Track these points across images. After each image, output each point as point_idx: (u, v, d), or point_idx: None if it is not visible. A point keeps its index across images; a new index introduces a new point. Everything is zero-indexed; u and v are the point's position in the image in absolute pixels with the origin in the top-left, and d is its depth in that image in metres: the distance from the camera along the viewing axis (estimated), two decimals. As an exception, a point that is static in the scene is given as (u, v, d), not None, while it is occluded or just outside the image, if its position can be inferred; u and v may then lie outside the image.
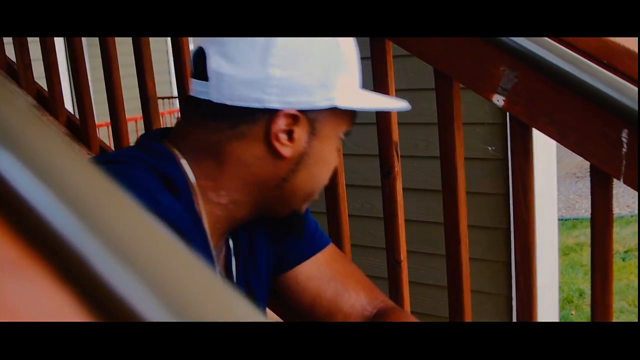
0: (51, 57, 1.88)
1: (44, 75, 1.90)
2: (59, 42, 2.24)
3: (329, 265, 1.05)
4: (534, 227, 1.12)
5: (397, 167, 1.24)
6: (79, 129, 1.89)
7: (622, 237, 4.87)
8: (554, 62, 0.95)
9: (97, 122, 1.91)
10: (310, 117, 0.85)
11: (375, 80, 1.20)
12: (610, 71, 0.92)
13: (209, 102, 0.84)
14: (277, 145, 0.85)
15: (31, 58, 1.97)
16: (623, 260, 4.54)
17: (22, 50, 1.95)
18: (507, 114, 1.08)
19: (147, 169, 0.82)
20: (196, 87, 0.86)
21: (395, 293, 1.30)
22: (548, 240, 2.65)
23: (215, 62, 0.83)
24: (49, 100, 1.94)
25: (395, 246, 1.27)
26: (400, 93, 2.41)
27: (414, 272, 2.63)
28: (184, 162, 0.86)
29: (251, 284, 0.99)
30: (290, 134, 0.85)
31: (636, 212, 5.38)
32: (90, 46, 4.61)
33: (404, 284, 1.30)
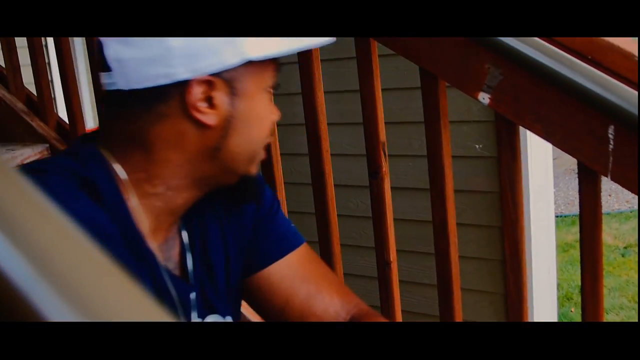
0: (40, 60, 1.87)
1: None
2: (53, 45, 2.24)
3: (302, 266, 1.02)
4: (523, 225, 1.11)
5: (385, 167, 1.23)
6: (69, 133, 1.88)
7: (621, 233, 4.85)
8: (538, 59, 0.94)
9: (94, 126, 1.90)
10: (226, 78, 0.82)
11: (361, 80, 1.19)
12: (594, 67, 0.91)
13: (119, 91, 0.82)
14: (198, 115, 0.82)
15: (20, 63, 1.96)
16: (623, 256, 4.52)
17: (10, 54, 1.94)
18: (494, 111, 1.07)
19: (67, 176, 0.80)
20: (104, 80, 0.84)
21: (385, 294, 1.29)
22: (545, 237, 2.64)
23: (113, 50, 0.81)
24: (38, 105, 1.93)
25: (385, 247, 1.26)
26: (392, 91, 2.42)
27: (409, 272, 2.63)
28: (112, 161, 0.84)
29: (204, 282, 0.95)
30: (210, 100, 0.82)
31: (636, 207, 5.36)
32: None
33: (394, 285, 1.29)
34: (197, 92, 0.81)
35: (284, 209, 1.40)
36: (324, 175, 1.30)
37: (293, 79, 2.56)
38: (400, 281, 1.32)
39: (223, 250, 0.97)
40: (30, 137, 1.83)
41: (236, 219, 0.99)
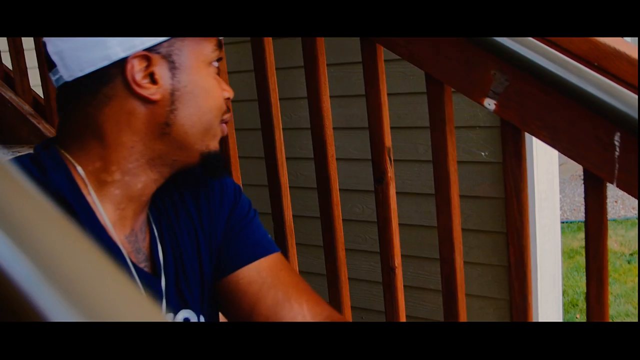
0: (47, 64, 1.88)
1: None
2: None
3: (272, 273, 1.00)
4: (528, 233, 1.10)
5: (390, 172, 1.23)
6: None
7: (627, 240, 4.83)
8: (545, 65, 0.94)
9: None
10: (164, 53, 0.85)
11: (367, 84, 1.19)
12: (600, 73, 0.91)
13: (66, 84, 0.85)
14: (141, 91, 0.84)
15: (27, 65, 1.97)
16: (629, 262, 4.50)
17: (18, 57, 1.95)
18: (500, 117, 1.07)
19: None
20: (52, 78, 0.87)
21: (390, 300, 1.29)
22: (550, 243, 2.63)
23: (52, 45, 0.84)
24: (45, 108, 1.94)
25: (390, 253, 1.26)
26: (399, 96, 2.42)
27: (414, 277, 2.62)
28: (70, 158, 0.86)
29: (178, 273, 0.95)
30: (151, 76, 0.85)
31: (642, 214, 5.33)
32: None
33: (399, 291, 1.28)
34: (136, 68, 0.83)
35: (289, 213, 1.40)
36: (329, 180, 1.30)
37: (298, 83, 2.57)
38: (404, 286, 1.32)
39: (195, 242, 0.98)
40: (37, 140, 1.84)
41: (208, 210, 1.00)
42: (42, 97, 1.95)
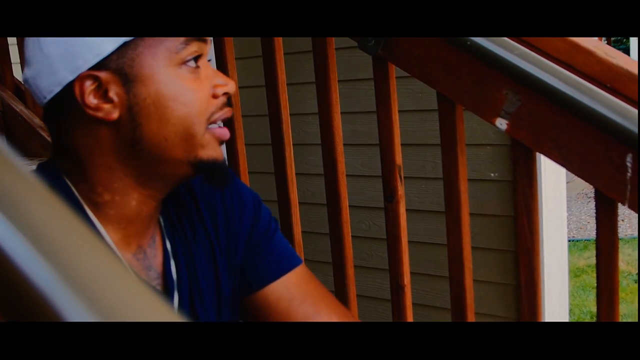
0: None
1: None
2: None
3: (299, 287, 0.99)
4: (539, 253, 1.10)
5: (401, 190, 1.23)
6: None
7: (634, 259, 4.81)
8: (557, 86, 0.94)
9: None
10: (114, 68, 0.78)
11: (378, 103, 1.19)
12: (614, 95, 0.91)
13: (43, 108, 0.84)
14: (95, 113, 0.79)
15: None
16: (635, 282, 4.48)
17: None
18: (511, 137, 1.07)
19: None
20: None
21: (398, 318, 1.28)
22: (558, 262, 2.62)
23: (23, 73, 0.83)
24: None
25: (399, 271, 1.26)
26: (407, 114, 2.42)
27: (421, 295, 2.61)
28: (65, 177, 0.84)
29: (192, 291, 0.92)
30: (105, 95, 0.79)
31: (649, 233, 5.32)
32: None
33: (408, 309, 1.28)
34: (85, 90, 0.78)
35: (298, 230, 1.40)
36: (339, 197, 1.30)
37: (306, 99, 2.58)
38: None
39: (212, 259, 0.95)
40: (47, 153, 1.84)
41: (227, 226, 0.96)
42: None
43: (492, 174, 2.35)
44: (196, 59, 0.82)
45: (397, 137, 1.20)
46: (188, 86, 0.81)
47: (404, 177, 1.26)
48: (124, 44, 0.78)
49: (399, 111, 1.22)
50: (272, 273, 0.98)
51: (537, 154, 1.04)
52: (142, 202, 0.85)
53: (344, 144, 1.32)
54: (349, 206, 1.34)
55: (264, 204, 1.03)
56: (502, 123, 1.03)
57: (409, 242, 1.29)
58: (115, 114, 0.79)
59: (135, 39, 0.78)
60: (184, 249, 0.92)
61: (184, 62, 0.81)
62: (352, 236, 1.36)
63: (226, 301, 0.96)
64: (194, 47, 0.81)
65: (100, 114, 0.79)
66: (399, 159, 1.21)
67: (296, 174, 1.43)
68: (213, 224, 0.95)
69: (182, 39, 0.80)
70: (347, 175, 1.34)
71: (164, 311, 0.30)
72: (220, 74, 0.86)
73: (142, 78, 0.79)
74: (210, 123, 0.84)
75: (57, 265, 0.29)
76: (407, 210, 1.27)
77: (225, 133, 0.87)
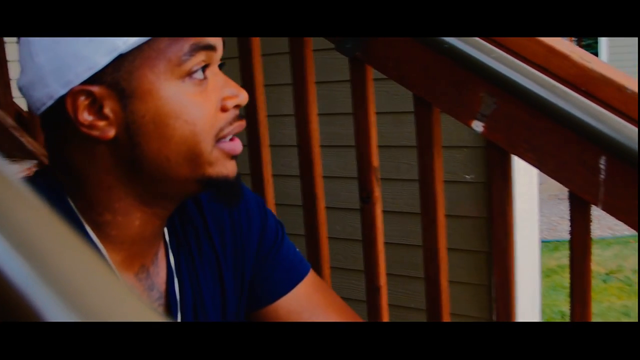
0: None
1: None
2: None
3: (309, 298, 0.96)
4: (513, 254, 1.11)
5: (377, 192, 1.23)
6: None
7: (603, 259, 4.89)
8: (533, 89, 0.95)
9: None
10: (109, 82, 0.71)
11: (355, 105, 1.20)
12: (588, 98, 0.93)
13: (40, 117, 0.76)
14: (89, 131, 0.72)
15: (10, 77, 1.95)
16: (604, 282, 4.56)
17: (1, 68, 1.93)
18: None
19: None
20: None
21: (374, 319, 1.29)
22: (530, 262, 2.65)
23: (18, 80, 0.76)
24: (28, 121, 1.92)
25: (375, 272, 1.26)
26: (383, 115, 2.43)
27: (396, 296, 2.62)
28: (66, 192, 0.77)
29: (197, 310, 0.86)
30: (100, 111, 0.71)
31: (618, 234, 5.41)
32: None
33: (384, 310, 1.28)
34: (79, 106, 0.71)
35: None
36: (316, 199, 1.30)
37: (281, 100, 2.57)
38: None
39: (218, 276, 0.90)
40: (19, 153, 1.82)
41: (234, 241, 0.91)
42: (25, 110, 1.93)
43: (468, 176, 2.37)
44: (204, 68, 0.75)
45: (374, 139, 1.21)
46: (192, 101, 0.73)
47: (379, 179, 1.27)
48: (120, 56, 0.70)
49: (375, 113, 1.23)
50: (282, 287, 0.94)
51: (512, 156, 1.05)
52: (146, 222, 0.78)
53: (320, 146, 1.32)
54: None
55: (268, 209, 0.99)
56: (478, 125, 1.04)
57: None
58: (111, 132, 0.72)
59: (133, 51, 0.70)
60: (188, 265, 0.86)
61: (190, 74, 0.73)
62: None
63: (231, 318, 0.92)
64: (200, 57, 0.74)
65: (95, 132, 0.72)
66: (375, 160, 1.22)
67: (272, 175, 1.43)
68: (220, 238, 0.90)
69: (186, 49, 0.72)
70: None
71: (146, 311, 0.30)
72: (230, 83, 0.79)
73: (140, 93, 0.71)
74: (220, 139, 0.77)
75: (36, 264, 0.29)
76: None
77: (236, 147, 0.79)
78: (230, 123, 0.77)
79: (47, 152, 0.81)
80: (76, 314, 0.28)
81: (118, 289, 0.30)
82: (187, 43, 0.72)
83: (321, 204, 1.31)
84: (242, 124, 0.80)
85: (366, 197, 1.23)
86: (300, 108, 1.27)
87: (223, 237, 0.90)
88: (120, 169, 0.74)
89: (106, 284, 0.30)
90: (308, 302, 0.96)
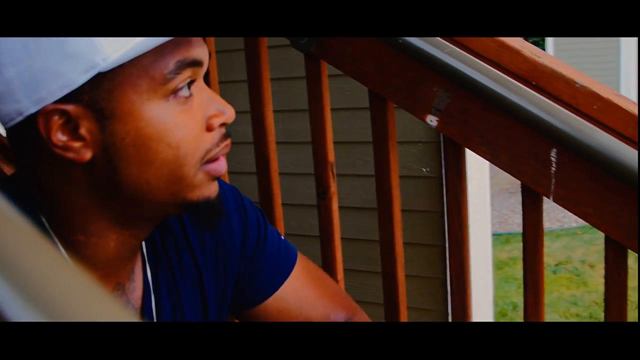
0: None
1: None
2: None
3: (299, 294, 0.94)
4: (468, 246, 1.13)
5: (333, 187, 1.24)
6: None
7: (552, 251, 5.01)
8: (486, 84, 0.97)
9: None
10: (86, 101, 0.65)
11: (311, 100, 1.20)
12: (539, 92, 0.95)
13: (7, 131, 0.70)
14: (62, 152, 0.66)
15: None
16: (554, 273, 4.67)
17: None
18: (441, 133, 1.09)
19: None
20: None
21: (332, 313, 1.30)
22: (482, 255, 2.70)
23: None
24: None
25: (332, 267, 1.27)
26: (337, 112, 2.44)
27: (352, 290, 2.64)
28: (38, 206, 0.72)
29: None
30: (75, 131, 0.65)
31: (566, 226, 5.54)
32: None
33: (342, 304, 1.29)
34: (49, 126, 0.65)
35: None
36: (272, 196, 1.30)
37: (236, 97, 2.56)
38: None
39: (199, 288, 0.85)
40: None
41: (215, 248, 0.87)
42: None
43: (424, 169, 2.40)
44: (190, 84, 0.70)
45: (330, 134, 1.21)
46: (176, 123, 0.68)
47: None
48: (99, 74, 0.64)
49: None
50: (270, 287, 0.91)
51: (466, 150, 1.07)
52: (122, 243, 0.74)
53: (275, 142, 1.32)
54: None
55: (245, 198, 0.94)
56: (432, 120, 1.05)
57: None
58: (87, 155, 0.66)
59: (114, 68, 0.64)
60: (167, 280, 0.82)
61: (175, 92, 0.68)
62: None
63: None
64: (187, 74, 0.68)
65: (70, 154, 0.66)
66: (331, 156, 1.22)
67: (227, 172, 1.42)
68: (201, 247, 0.85)
69: (172, 66, 0.67)
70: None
71: (114, 310, 0.30)
72: (216, 99, 0.73)
73: (120, 114, 0.65)
74: (206, 162, 0.72)
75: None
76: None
77: (220, 168, 0.74)
78: (217, 144, 0.73)
79: (16, 168, 0.76)
80: (39, 312, 0.27)
81: (82, 287, 0.30)
82: (172, 60, 0.67)
83: (277, 199, 1.31)
84: (228, 144, 0.75)
85: (322, 193, 1.24)
86: (256, 105, 1.26)
87: (203, 245, 0.86)
88: (96, 192, 0.69)
89: (70, 282, 0.30)
90: (298, 298, 0.94)
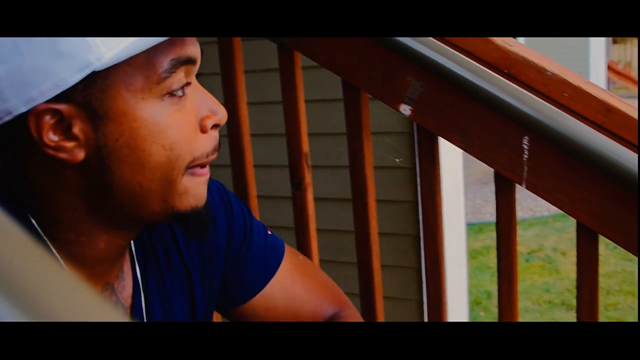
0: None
1: None
2: None
3: (287, 290, 0.93)
4: (443, 234, 1.14)
5: (308, 178, 1.24)
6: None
7: (525, 240, 5.07)
8: (458, 72, 0.98)
9: None
10: (79, 100, 0.63)
11: (284, 91, 1.20)
12: (510, 80, 0.96)
13: None
14: (54, 153, 0.64)
15: None
16: (527, 261, 4.72)
17: None
18: (414, 123, 1.10)
19: None
20: None
21: (309, 304, 1.30)
22: (456, 244, 2.72)
23: None
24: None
25: (308, 257, 1.27)
26: (310, 104, 2.44)
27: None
28: (25, 205, 0.71)
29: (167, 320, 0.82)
30: (68, 130, 0.64)
31: (538, 214, 5.61)
32: None
33: (318, 294, 1.30)
34: (41, 126, 0.63)
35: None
36: (247, 188, 1.30)
37: (210, 89, 2.54)
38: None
39: (188, 288, 0.85)
40: None
41: (201, 247, 0.86)
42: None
43: (398, 160, 2.41)
44: (184, 85, 0.68)
45: (304, 125, 1.21)
46: (170, 123, 0.67)
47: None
48: (93, 73, 0.62)
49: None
50: (257, 284, 0.90)
51: (440, 139, 1.08)
52: (111, 243, 0.73)
53: (250, 134, 1.31)
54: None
55: (231, 193, 0.93)
56: (405, 109, 1.06)
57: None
58: (80, 155, 0.65)
59: (108, 67, 0.63)
60: (156, 279, 0.81)
61: (169, 92, 0.66)
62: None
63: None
64: (181, 72, 0.67)
65: (62, 155, 0.65)
66: (305, 146, 1.23)
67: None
68: (187, 246, 0.85)
69: (166, 64, 0.65)
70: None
71: (103, 309, 0.30)
72: (209, 99, 0.73)
73: (113, 114, 0.64)
74: (193, 166, 0.70)
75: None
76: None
77: (204, 174, 0.73)
78: (207, 156, 0.71)
79: (3, 166, 0.74)
80: (25, 312, 0.27)
81: (70, 285, 0.30)
82: (166, 58, 0.65)
83: (252, 191, 1.31)
84: (214, 157, 0.73)
85: (297, 184, 1.24)
86: (229, 97, 1.26)
87: (189, 245, 0.85)
88: (87, 193, 0.68)
89: (57, 280, 0.30)
90: (287, 293, 0.93)
